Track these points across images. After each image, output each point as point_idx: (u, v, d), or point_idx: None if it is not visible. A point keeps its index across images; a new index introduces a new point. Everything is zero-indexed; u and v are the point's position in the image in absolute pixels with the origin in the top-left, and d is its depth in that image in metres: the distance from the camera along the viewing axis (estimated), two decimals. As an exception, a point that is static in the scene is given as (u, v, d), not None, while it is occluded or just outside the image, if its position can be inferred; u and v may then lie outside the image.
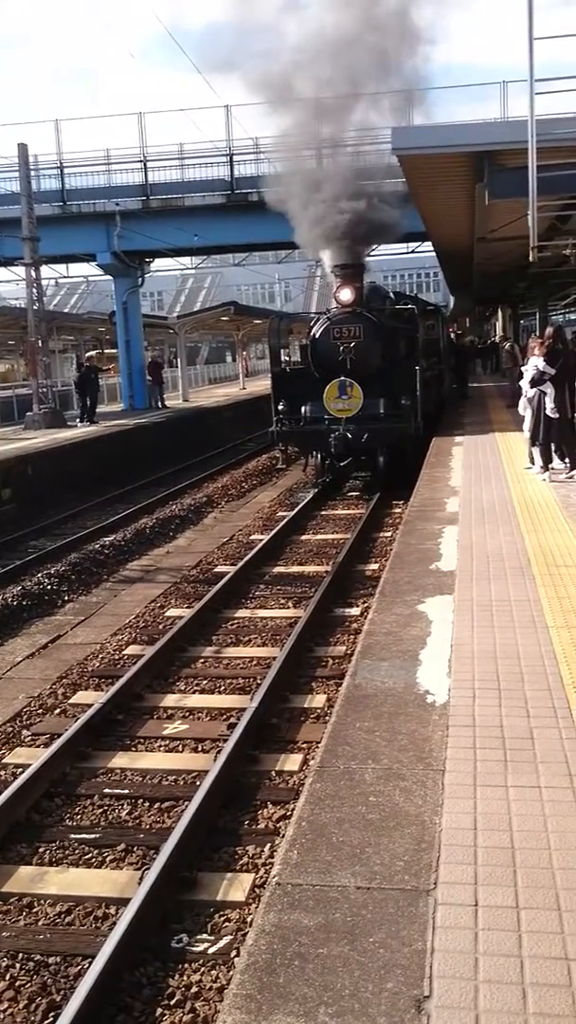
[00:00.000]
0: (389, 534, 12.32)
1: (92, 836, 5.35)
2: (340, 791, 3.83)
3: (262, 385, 33.18)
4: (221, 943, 4.29)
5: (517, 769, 3.93)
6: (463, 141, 11.78)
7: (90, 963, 3.99)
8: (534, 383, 11.28)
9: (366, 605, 8.95)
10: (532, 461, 11.89)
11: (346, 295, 15.62)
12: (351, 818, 3.60)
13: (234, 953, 4.19)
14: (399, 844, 3.39)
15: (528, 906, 2.99)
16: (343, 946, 2.83)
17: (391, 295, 19.22)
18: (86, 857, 5.15)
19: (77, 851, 5.21)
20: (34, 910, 4.70)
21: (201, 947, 4.28)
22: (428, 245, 25.89)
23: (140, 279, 31.05)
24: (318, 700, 7.04)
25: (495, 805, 3.64)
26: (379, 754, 4.15)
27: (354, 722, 4.52)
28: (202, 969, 4.13)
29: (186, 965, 4.16)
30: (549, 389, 11.08)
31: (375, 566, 10.82)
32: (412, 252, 31.43)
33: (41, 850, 5.24)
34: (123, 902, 4.52)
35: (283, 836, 4.91)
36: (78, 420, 25.68)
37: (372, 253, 22.12)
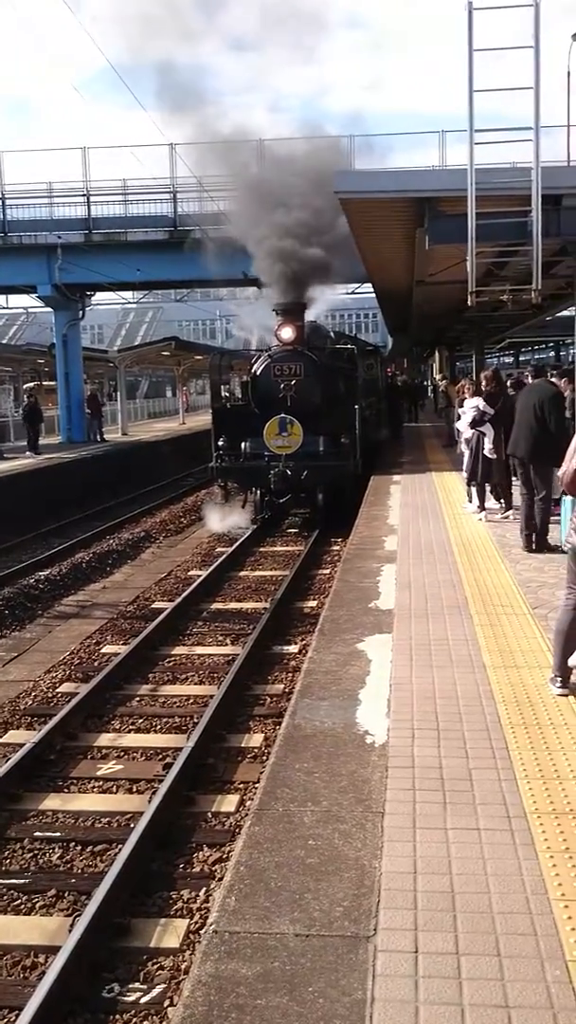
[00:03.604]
0: (328, 571, 12.33)
1: (21, 881, 5.18)
2: (279, 834, 3.77)
3: (202, 420, 33.13)
4: (154, 992, 4.18)
5: (456, 811, 3.92)
6: (405, 187, 12.00)
7: (17, 1015, 3.85)
8: (474, 424, 11.44)
9: (304, 642, 8.92)
10: (470, 500, 12.05)
11: (287, 333, 15.74)
12: (290, 862, 3.55)
13: (167, 1002, 4.08)
14: (338, 889, 3.34)
15: (468, 952, 2.97)
16: (282, 996, 2.76)
17: (332, 334, 19.42)
18: (15, 903, 4.99)
19: (5, 897, 5.04)
20: (-41, 960, 4.52)
21: (133, 996, 4.16)
22: (368, 286, 26.28)
23: (81, 312, 30.94)
24: (256, 739, 6.97)
25: (434, 848, 3.62)
26: (318, 796, 4.10)
27: (293, 763, 4.47)
28: (134, 1020, 4.01)
29: (117, 1016, 4.04)
30: (488, 430, 11.26)
31: (314, 603, 10.81)
32: (353, 293, 31.88)
33: (-33, 897, 5.06)
34: (53, 950, 4.38)
35: (219, 880, 4.83)
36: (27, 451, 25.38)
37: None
